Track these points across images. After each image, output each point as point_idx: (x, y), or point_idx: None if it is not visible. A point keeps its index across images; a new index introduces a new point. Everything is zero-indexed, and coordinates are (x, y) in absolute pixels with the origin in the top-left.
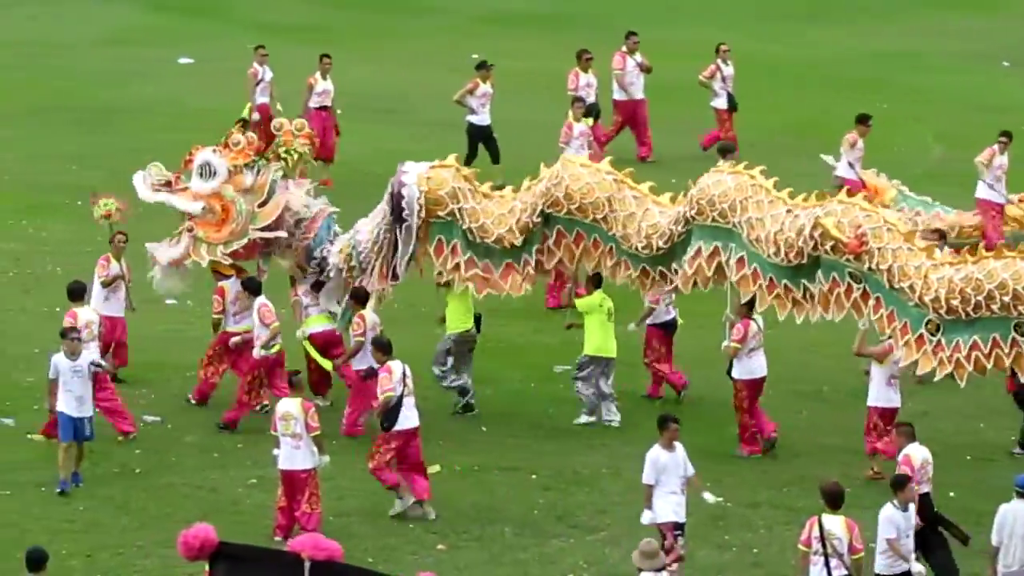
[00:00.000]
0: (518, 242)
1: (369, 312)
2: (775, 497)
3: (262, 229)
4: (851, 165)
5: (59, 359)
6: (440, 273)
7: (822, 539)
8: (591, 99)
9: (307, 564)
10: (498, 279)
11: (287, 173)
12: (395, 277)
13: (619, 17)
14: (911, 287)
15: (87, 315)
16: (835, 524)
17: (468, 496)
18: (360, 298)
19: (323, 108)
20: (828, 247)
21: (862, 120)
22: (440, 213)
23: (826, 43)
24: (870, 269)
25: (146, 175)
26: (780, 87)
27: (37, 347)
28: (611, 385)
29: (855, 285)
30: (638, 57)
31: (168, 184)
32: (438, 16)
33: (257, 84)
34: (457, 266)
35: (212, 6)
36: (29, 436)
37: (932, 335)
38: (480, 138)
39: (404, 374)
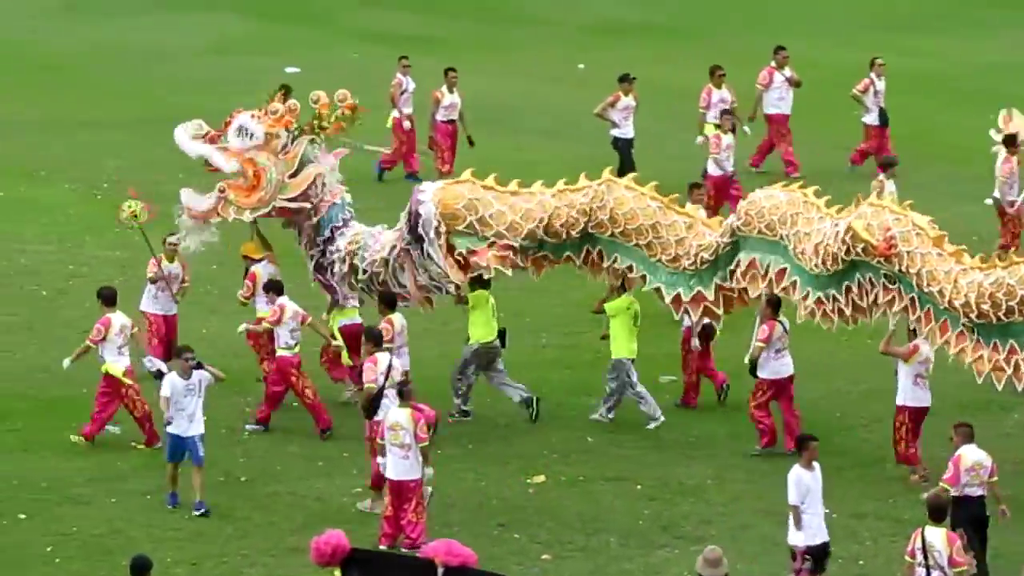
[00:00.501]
0: (542, 237)
1: (398, 316)
2: (881, 508)
3: (290, 200)
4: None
5: (173, 379)
6: (458, 289)
7: (924, 551)
8: None
9: (440, 570)
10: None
11: (318, 143)
12: (429, 298)
13: (724, 28)
14: (940, 291)
15: (120, 320)
16: (936, 536)
17: (573, 506)
18: (389, 302)
19: (450, 121)
20: (859, 250)
21: (1010, 142)
22: (459, 227)
23: (934, 54)
24: (900, 271)
25: (186, 127)
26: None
27: (143, 354)
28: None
29: (890, 286)
30: (787, 72)
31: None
32: (545, 27)
33: (401, 94)
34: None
35: (319, 15)
36: (134, 444)
37: (972, 332)
38: (627, 150)
39: (389, 366)
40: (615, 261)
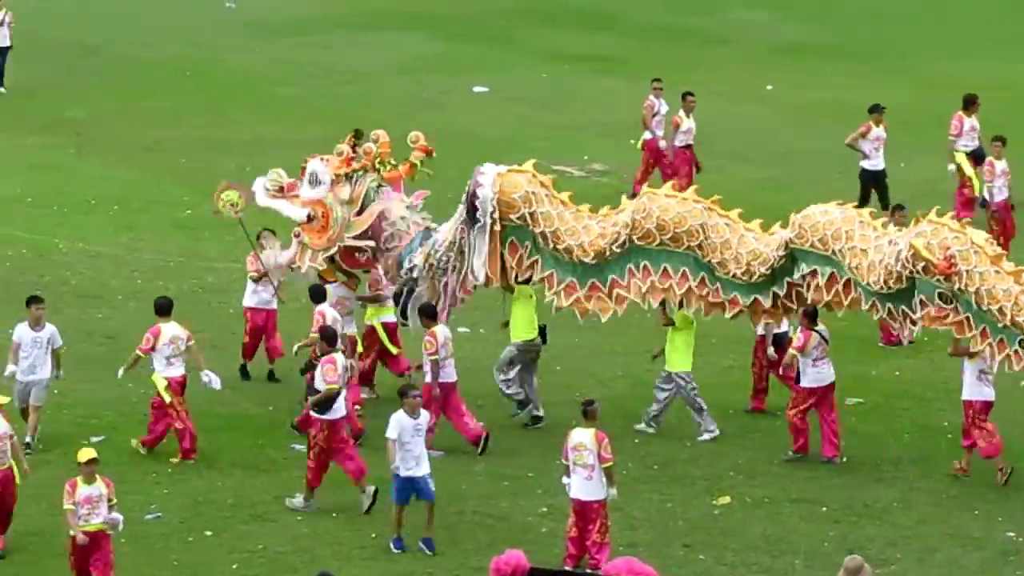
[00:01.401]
0: (588, 259)
1: (441, 328)
2: None
3: (355, 237)
4: None
5: (400, 418)
6: (509, 278)
7: None
8: (975, 144)
9: None
10: (560, 291)
11: (381, 183)
12: (467, 284)
13: (913, 49)
14: (1000, 310)
15: (172, 330)
16: None
17: (758, 527)
18: (430, 314)
19: (687, 147)
20: (920, 268)
21: None
22: (512, 216)
23: None
24: (960, 290)
25: (265, 180)
26: None
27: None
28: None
29: (946, 305)
30: None
31: (281, 190)
32: (731, 47)
33: (653, 116)
34: (531, 267)
35: (507, 35)
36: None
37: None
38: (872, 183)
39: (345, 368)
40: (664, 271)
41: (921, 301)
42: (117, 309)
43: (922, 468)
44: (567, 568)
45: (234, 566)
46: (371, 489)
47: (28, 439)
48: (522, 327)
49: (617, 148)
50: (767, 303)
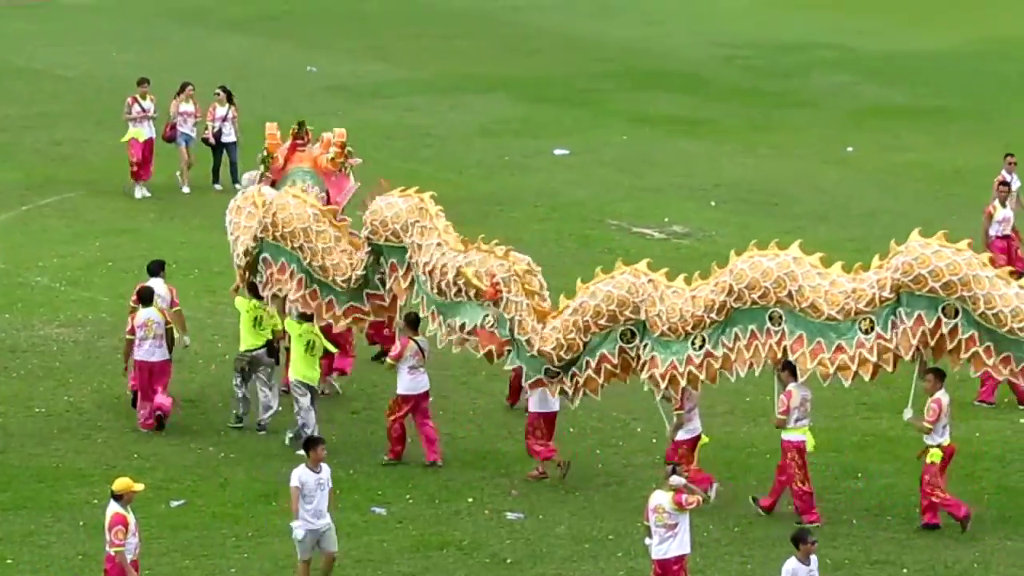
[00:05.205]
0: (242, 264)
1: (144, 311)
2: None
3: None
4: None
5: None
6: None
7: None
8: None
9: None
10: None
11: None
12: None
13: (998, 110)
14: (528, 341)
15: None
16: None
17: None
18: (143, 299)
19: (1005, 237)
20: (472, 294)
21: None
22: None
23: None
24: (504, 314)
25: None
26: None
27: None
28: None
29: (495, 329)
30: None
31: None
32: (811, 109)
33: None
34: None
35: (587, 97)
36: (399, 524)
37: (552, 378)
38: None
39: None
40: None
41: (463, 325)
42: (198, 373)
43: (1002, 529)
44: None
45: None
46: None
47: None
48: (242, 337)
49: (698, 210)
50: (365, 306)
